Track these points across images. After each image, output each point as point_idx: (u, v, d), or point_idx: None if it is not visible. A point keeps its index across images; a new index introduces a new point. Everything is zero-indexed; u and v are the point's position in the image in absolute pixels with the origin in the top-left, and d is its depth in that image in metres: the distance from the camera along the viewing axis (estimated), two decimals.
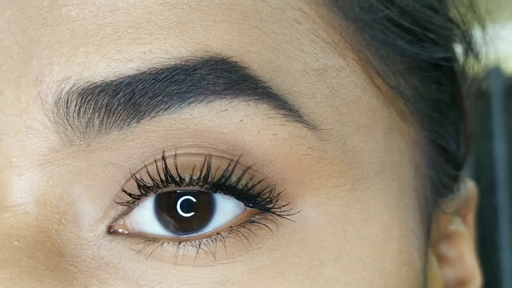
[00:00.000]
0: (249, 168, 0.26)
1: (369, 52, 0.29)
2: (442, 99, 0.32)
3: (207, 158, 0.26)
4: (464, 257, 0.35)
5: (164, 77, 0.25)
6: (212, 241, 0.26)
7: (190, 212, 0.26)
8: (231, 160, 0.26)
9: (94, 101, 0.25)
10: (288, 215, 0.27)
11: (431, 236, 0.32)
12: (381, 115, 0.29)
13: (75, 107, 0.25)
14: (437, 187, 0.32)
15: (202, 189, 0.26)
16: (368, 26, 0.29)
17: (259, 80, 0.26)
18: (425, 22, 0.30)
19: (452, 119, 0.33)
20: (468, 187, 0.37)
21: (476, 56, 0.35)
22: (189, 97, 0.25)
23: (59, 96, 0.25)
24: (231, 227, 0.26)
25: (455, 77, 0.33)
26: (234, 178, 0.26)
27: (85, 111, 0.25)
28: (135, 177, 0.26)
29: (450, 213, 0.34)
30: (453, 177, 0.34)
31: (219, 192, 0.26)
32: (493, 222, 1.61)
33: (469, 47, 0.34)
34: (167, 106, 0.25)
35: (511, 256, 1.57)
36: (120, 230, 0.26)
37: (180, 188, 0.26)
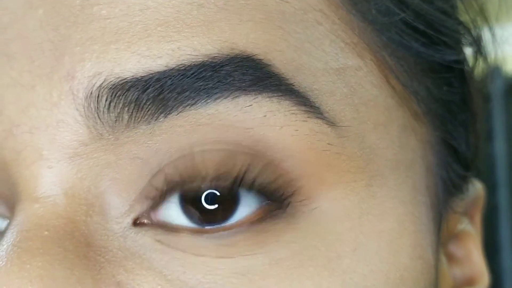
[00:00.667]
0: (270, 162, 0.27)
1: (386, 53, 0.30)
2: (453, 101, 0.33)
3: (231, 154, 0.26)
4: (472, 256, 0.36)
5: (192, 73, 0.26)
6: (233, 233, 0.27)
7: (214, 204, 0.27)
8: (254, 154, 0.27)
9: (124, 96, 0.26)
10: (307, 209, 0.27)
11: (441, 235, 0.33)
12: (396, 114, 0.30)
13: (105, 101, 0.26)
14: (447, 186, 0.33)
15: (226, 184, 0.27)
16: (385, 28, 0.30)
17: (282, 77, 0.27)
18: (438, 25, 0.31)
19: (463, 120, 0.34)
20: (476, 188, 0.37)
21: (485, 59, 0.36)
22: (215, 93, 0.26)
23: (90, 91, 0.26)
24: (251, 220, 0.27)
25: (466, 79, 0.34)
26: (256, 172, 0.27)
27: (115, 106, 0.26)
28: (164, 171, 0.26)
29: (459, 212, 0.35)
30: (462, 177, 0.35)
31: (241, 187, 0.27)
32: (493, 222, 1.61)
33: (479, 51, 0.35)
34: (194, 102, 0.26)
35: (511, 256, 1.57)
36: (146, 221, 0.27)
37: (205, 183, 0.27)
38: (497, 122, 1.63)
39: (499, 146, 1.62)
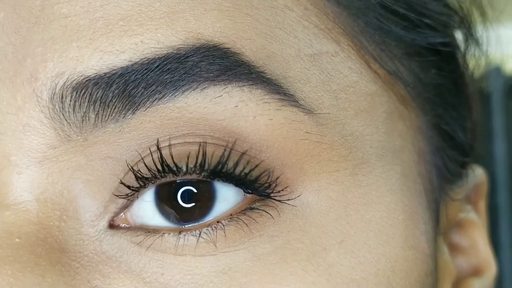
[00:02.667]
0: (245, 153, 0.26)
1: (364, 38, 0.29)
2: (444, 85, 0.33)
3: (201, 145, 0.26)
4: (478, 245, 0.35)
5: (157, 67, 0.25)
6: (213, 229, 0.26)
7: (191, 203, 0.27)
8: (226, 145, 0.26)
9: (88, 94, 0.26)
10: (288, 199, 0.27)
11: (440, 224, 0.32)
12: (380, 100, 0.29)
13: (70, 101, 0.26)
14: (442, 173, 0.33)
15: (200, 177, 0.26)
16: (361, 12, 0.29)
17: (253, 65, 0.26)
18: (420, 7, 0.31)
19: (455, 104, 0.33)
20: (477, 174, 0.37)
21: (477, 42, 0.35)
22: (183, 85, 0.26)
23: (53, 92, 0.26)
24: (231, 215, 0.26)
25: (457, 62, 0.33)
26: (231, 164, 0.26)
27: (80, 105, 0.26)
28: (133, 169, 0.26)
29: (459, 200, 0.34)
30: (460, 163, 0.34)
31: (218, 180, 0.26)
32: (493, 222, 1.61)
33: (469, 33, 0.34)
34: (161, 96, 0.26)
35: (511, 256, 1.57)
36: (122, 225, 0.27)
37: (178, 178, 0.26)
38: (497, 122, 1.63)
39: (499, 146, 1.62)
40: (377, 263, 0.27)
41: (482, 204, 0.37)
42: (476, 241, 0.35)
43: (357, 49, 0.29)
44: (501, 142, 1.59)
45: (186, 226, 0.26)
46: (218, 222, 0.26)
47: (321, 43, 0.28)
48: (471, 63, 0.35)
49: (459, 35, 0.34)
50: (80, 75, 0.26)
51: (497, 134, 1.59)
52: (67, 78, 0.26)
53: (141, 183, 0.26)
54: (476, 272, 0.35)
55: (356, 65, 0.29)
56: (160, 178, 0.26)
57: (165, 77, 0.26)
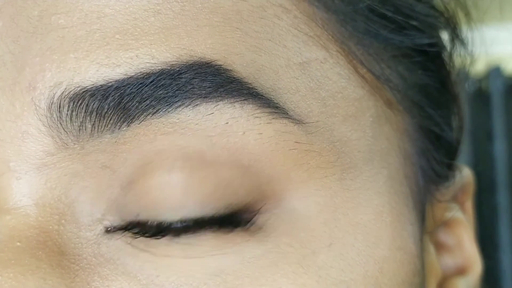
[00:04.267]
0: (237, 169, 0.27)
1: (352, 43, 0.30)
2: (431, 85, 0.33)
3: (196, 174, 0.26)
4: (463, 244, 0.36)
5: (151, 82, 0.26)
6: (202, 233, 0.27)
7: None
8: (218, 169, 0.27)
9: (85, 105, 0.26)
10: (275, 210, 0.27)
11: (426, 224, 0.33)
12: (368, 104, 0.30)
13: (67, 111, 0.26)
14: (428, 174, 0.33)
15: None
16: (349, 17, 0.30)
17: (244, 81, 0.27)
18: (407, 10, 0.31)
19: (442, 103, 0.34)
20: (464, 174, 0.37)
21: (462, 41, 0.36)
22: (176, 101, 0.26)
23: (51, 101, 0.26)
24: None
25: (442, 62, 0.34)
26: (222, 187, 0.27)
27: (77, 115, 0.26)
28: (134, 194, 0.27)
29: (445, 201, 0.35)
30: (446, 165, 0.35)
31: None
32: (493, 222, 1.61)
33: (454, 33, 0.35)
34: (155, 110, 0.26)
35: (511, 256, 1.57)
36: (118, 226, 0.27)
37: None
38: (497, 122, 1.63)
39: (499, 146, 1.62)
40: (366, 265, 0.28)
41: (469, 204, 0.37)
42: (462, 240, 0.36)
43: (345, 54, 0.30)
44: (501, 142, 1.59)
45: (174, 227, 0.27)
46: (207, 227, 0.27)
47: (310, 50, 0.29)
48: (457, 62, 0.36)
49: (444, 35, 0.34)
50: (77, 85, 0.26)
51: (497, 134, 1.59)
52: (65, 88, 0.26)
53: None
54: (461, 271, 0.36)
55: (344, 71, 0.29)
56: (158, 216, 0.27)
57: (159, 93, 0.26)
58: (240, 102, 0.27)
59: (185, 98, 0.26)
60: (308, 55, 0.29)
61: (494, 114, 1.59)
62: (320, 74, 0.29)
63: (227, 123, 0.27)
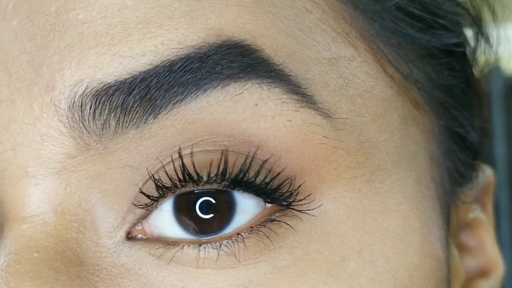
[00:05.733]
0: (266, 161, 0.26)
1: (380, 42, 0.29)
2: (456, 85, 0.33)
3: (223, 153, 0.26)
4: (485, 245, 0.35)
5: (179, 68, 0.25)
6: (233, 242, 0.26)
7: (209, 214, 0.26)
8: (248, 154, 0.26)
9: (109, 101, 0.25)
10: (308, 209, 0.27)
11: (451, 227, 0.33)
12: (395, 105, 0.29)
13: (90, 109, 0.25)
14: (454, 176, 0.33)
15: (221, 187, 0.26)
16: (377, 15, 0.29)
17: (273, 63, 0.26)
18: (434, 8, 0.31)
19: (467, 103, 0.33)
20: (486, 174, 0.37)
21: (487, 39, 0.35)
22: (204, 84, 0.26)
23: (72, 100, 0.26)
24: (251, 227, 0.26)
25: (468, 61, 0.34)
26: (252, 173, 0.26)
27: (100, 113, 0.25)
28: (153, 178, 0.26)
29: (468, 202, 0.34)
30: (470, 166, 0.34)
31: (238, 189, 0.26)
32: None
33: (480, 31, 0.35)
34: (183, 97, 0.25)
35: (511, 256, 1.57)
36: (139, 236, 0.26)
37: (198, 188, 0.26)
38: (497, 122, 1.63)
39: (499, 146, 1.62)
40: (395, 273, 0.27)
41: (490, 204, 0.37)
42: (484, 241, 0.35)
43: (373, 53, 0.29)
44: (501, 142, 1.59)
45: (205, 238, 0.26)
46: (238, 234, 0.26)
47: (338, 47, 0.28)
48: (481, 61, 0.35)
49: (468, 33, 0.34)
50: (99, 82, 0.25)
51: (497, 134, 1.59)
52: (86, 86, 0.25)
53: (160, 192, 0.26)
54: (483, 273, 0.35)
55: (372, 70, 0.29)
56: (180, 187, 0.26)
57: (187, 77, 0.25)
58: (267, 84, 0.26)
59: (213, 80, 0.25)
60: (337, 51, 0.28)
61: (494, 114, 1.59)
62: (348, 72, 0.28)
63: (256, 104, 0.26)
